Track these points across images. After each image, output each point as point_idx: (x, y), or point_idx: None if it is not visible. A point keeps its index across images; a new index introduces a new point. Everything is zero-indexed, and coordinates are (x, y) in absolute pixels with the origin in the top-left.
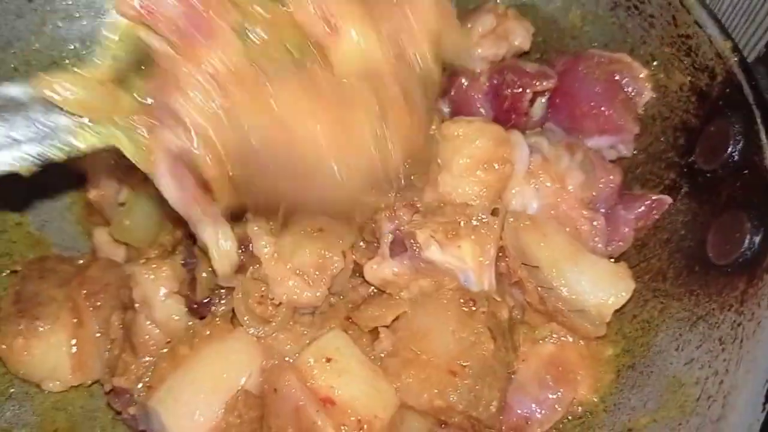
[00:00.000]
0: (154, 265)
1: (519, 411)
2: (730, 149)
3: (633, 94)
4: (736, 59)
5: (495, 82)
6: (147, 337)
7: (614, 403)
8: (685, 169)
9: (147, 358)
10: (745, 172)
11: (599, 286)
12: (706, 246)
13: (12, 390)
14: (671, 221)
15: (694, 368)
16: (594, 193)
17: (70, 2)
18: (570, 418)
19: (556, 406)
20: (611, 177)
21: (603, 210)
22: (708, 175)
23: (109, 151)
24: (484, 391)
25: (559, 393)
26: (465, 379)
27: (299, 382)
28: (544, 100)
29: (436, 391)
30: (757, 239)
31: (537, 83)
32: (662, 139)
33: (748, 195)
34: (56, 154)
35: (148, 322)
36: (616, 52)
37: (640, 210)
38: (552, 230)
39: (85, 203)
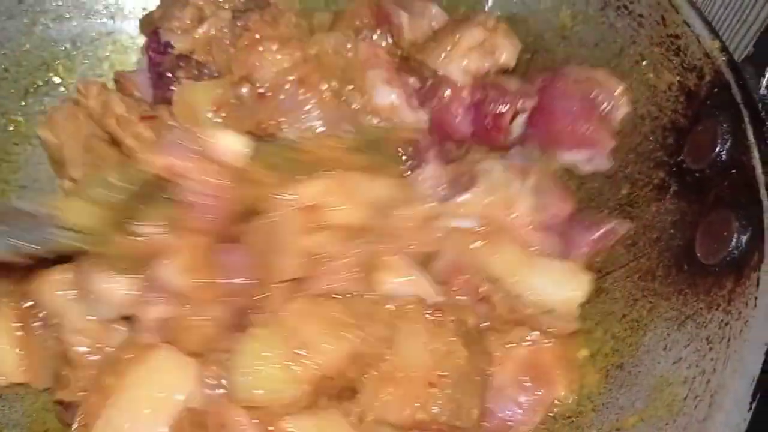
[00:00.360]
0: (42, 278)
1: (500, 415)
2: (718, 149)
3: (609, 109)
4: (724, 59)
5: (477, 97)
6: (77, 349)
7: (603, 403)
8: (674, 169)
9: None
10: (733, 171)
11: (560, 284)
12: (695, 245)
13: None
14: (660, 220)
15: (681, 367)
16: (544, 219)
17: (60, 3)
18: (558, 416)
19: (536, 408)
20: (563, 205)
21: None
22: (696, 174)
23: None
24: (465, 399)
25: (537, 394)
26: (445, 389)
27: (248, 417)
28: (524, 117)
29: (417, 405)
30: (744, 238)
31: (519, 102)
32: (651, 138)
33: (735, 194)
34: (53, 248)
35: (73, 334)
36: (595, 67)
37: (597, 235)
38: (502, 242)
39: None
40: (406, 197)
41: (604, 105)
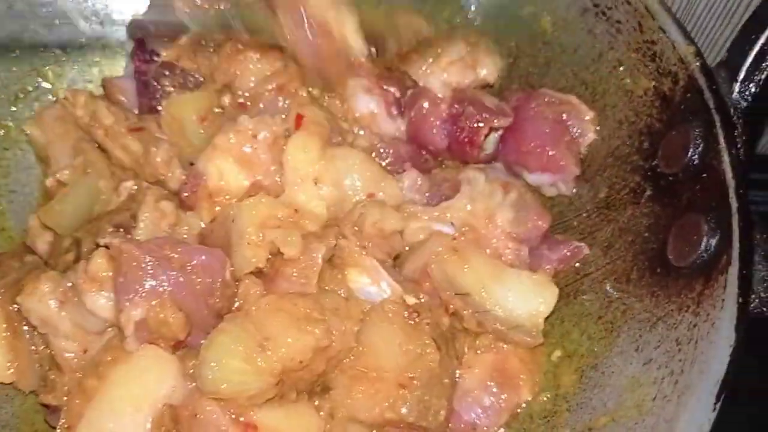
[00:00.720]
0: (31, 289)
1: (466, 417)
2: (690, 153)
3: (577, 135)
4: (697, 64)
5: (455, 111)
6: (66, 354)
7: (577, 403)
8: (649, 173)
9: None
10: (704, 175)
11: (527, 299)
12: (667, 248)
13: None
14: (636, 223)
15: (652, 368)
16: (520, 232)
17: (50, 9)
18: (534, 416)
19: (501, 411)
20: (540, 222)
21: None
22: (670, 178)
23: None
24: (433, 401)
25: (503, 398)
26: (414, 390)
27: (221, 408)
28: (497, 135)
29: (386, 404)
30: (713, 242)
31: (495, 120)
32: (628, 143)
33: (706, 198)
34: None
35: (62, 340)
36: (567, 93)
37: (563, 253)
38: (472, 254)
39: (43, 191)
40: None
41: (574, 130)
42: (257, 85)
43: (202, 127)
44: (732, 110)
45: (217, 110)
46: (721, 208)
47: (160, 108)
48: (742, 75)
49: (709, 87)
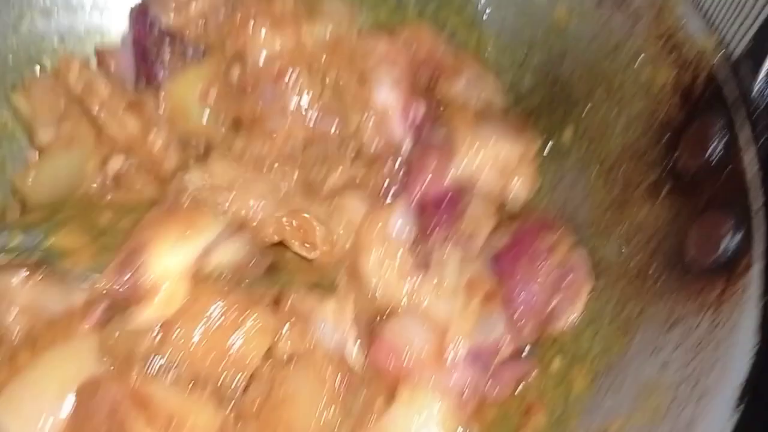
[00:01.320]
0: None
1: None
2: (711, 149)
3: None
4: (719, 56)
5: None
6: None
7: (590, 405)
8: (668, 168)
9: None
10: (725, 172)
11: None
12: (686, 246)
13: None
14: (653, 221)
15: (668, 372)
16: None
17: None
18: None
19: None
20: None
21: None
22: (690, 174)
23: None
24: None
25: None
26: None
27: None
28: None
29: None
30: (735, 241)
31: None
32: (646, 137)
33: (727, 195)
34: None
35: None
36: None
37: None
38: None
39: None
40: None
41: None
42: (266, 62)
43: (203, 105)
44: (755, 104)
45: (222, 87)
46: (743, 205)
47: (158, 78)
48: (765, 67)
49: (731, 80)
